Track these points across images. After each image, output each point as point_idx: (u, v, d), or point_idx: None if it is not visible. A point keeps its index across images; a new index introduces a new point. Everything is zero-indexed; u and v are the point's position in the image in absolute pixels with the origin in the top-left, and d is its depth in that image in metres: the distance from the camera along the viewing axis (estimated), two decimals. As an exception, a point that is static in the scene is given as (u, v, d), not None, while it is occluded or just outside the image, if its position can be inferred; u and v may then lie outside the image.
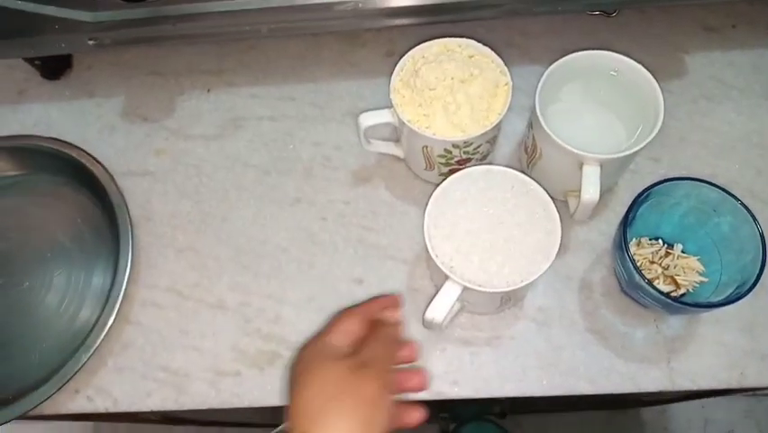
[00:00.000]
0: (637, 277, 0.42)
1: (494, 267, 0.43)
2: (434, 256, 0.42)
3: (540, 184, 0.44)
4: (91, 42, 0.53)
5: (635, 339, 0.48)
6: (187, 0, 0.50)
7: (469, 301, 0.47)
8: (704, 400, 1.18)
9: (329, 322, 0.43)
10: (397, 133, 0.52)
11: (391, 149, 0.53)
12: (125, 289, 0.50)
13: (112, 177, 0.54)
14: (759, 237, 0.42)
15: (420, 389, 0.42)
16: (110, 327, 0.49)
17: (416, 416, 0.41)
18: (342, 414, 0.36)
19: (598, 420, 1.19)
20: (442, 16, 0.51)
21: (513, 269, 0.42)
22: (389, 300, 0.45)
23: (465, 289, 0.42)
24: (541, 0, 0.50)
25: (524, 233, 0.43)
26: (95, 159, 0.54)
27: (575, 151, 0.44)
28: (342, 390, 0.37)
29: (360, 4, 0.50)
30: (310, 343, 0.42)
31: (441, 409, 0.91)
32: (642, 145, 0.44)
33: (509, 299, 0.46)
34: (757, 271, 0.41)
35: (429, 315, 0.42)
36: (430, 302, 0.42)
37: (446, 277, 0.42)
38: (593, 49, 0.47)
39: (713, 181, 0.52)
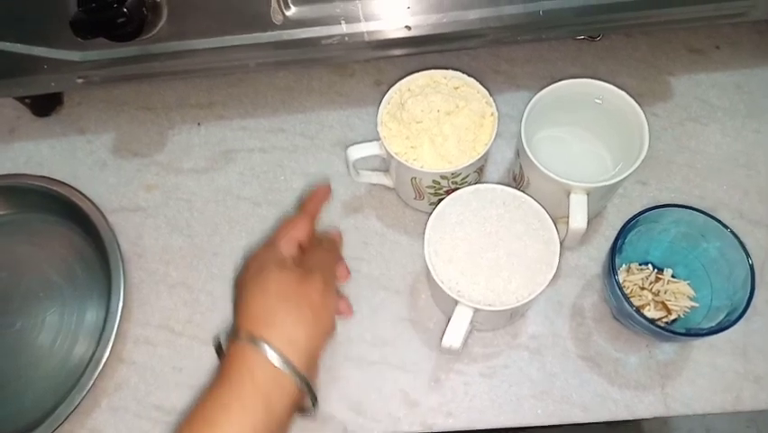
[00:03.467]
0: (627, 306, 0.42)
1: (501, 284, 0.43)
2: (439, 283, 0.42)
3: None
4: (80, 81, 0.53)
5: (628, 365, 0.48)
6: (174, 38, 0.51)
7: (479, 321, 0.47)
8: (705, 411, 1.18)
9: (275, 231, 0.45)
10: (386, 163, 0.52)
11: (381, 179, 0.54)
12: (118, 327, 0.50)
13: (102, 214, 0.54)
14: (747, 263, 0.42)
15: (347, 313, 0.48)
16: (103, 367, 0.48)
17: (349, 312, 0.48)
18: (288, 315, 0.39)
19: (597, 430, 1.19)
20: (427, 47, 0.52)
21: (519, 283, 0.43)
22: (324, 191, 0.50)
23: (476, 310, 0.42)
24: (524, 29, 0.51)
25: (523, 246, 0.44)
26: (85, 196, 0.55)
27: (561, 180, 0.44)
28: (289, 294, 0.40)
29: (346, 38, 0.51)
30: (258, 252, 0.43)
31: None
32: (628, 173, 0.44)
33: (518, 312, 0.47)
34: (747, 298, 0.41)
35: (446, 342, 0.42)
36: (444, 330, 0.42)
37: (456, 302, 0.42)
38: (579, 73, 0.48)
39: (702, 202, 0.53)
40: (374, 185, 0.55)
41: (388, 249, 0.54)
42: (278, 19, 0.49)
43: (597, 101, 0.48)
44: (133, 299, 0.53)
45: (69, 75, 0.53)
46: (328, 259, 0.45)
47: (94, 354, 0.49)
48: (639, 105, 0.46)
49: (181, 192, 0.57)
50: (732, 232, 0.43)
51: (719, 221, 0.43)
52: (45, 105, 0.61)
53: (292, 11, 0.48)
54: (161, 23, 0.48)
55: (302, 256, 0.44)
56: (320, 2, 0.48)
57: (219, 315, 0.52)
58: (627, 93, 0.47)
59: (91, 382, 0.48)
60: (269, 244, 0.44)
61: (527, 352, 0.49)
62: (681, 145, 0.55)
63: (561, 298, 0.50)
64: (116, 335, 0.49)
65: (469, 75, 0.49)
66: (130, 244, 0.55)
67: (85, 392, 0.48)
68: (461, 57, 0.59)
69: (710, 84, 0.58)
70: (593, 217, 0.53)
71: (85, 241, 0.55)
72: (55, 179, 0.56)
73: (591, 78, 0.48)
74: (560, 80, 0.47)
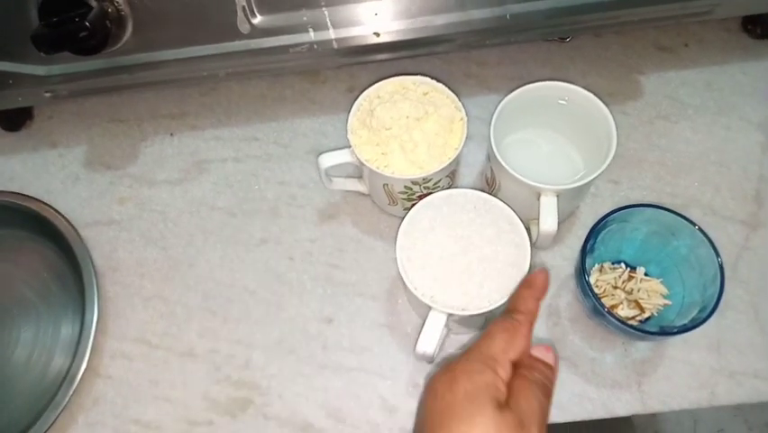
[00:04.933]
0: (599, 306, 0.42)
1: (474, 288, 0.43)
2: (413, 289, 0.43)
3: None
4: (48, 95, 0.53)
5: (604, 364, 0.48)
6: (141, 50, 0.50)
7: (454, 325, 0.47)
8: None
9: (488, 341, 0.36)
10: (359, 170, 0.52)
11: (355, 186, 0.54)
12: (93, 342, 0.49)
13: (75, 228, 0.53)
14: (716, 259, 0.42)
15: None
16: (79, 383, 0.48)
17: None
18: None
19: (587, 425, 1.20)
20: (397, 53, 0.52)
21: (492, 287, 0.43)
22: (542, 281, 0.40)
23: (450, 315, 0.42)
24: (493, 33, 0.51)
25: (495, 249, 0.44)
26: (57, 211, 0.54)
27: (531, 183, 0.44)
28: None
29: (315, 46, 0.50)
30: (468, 364, 0.35)
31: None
32: (596, 174, 0.44)
33: (492, 314, 0.47)
34: (717, 295, 0.41)
35: (420, 349, 0.42)
36: (418, 336, 0.42)
37: (429, 308, 0.42)
38: (549, 74, 0.48)
39: (674, 200, 0.53)
40: (349, 191, 0.55)
41: (363, 255, 0.54)
42: (245, 28, 0.49)
43: (561, 102, 0.48)
44: (109, 312, 0.52)
45: (36, 89, 0.52)
46: (543, 409, 0.34)
47: (69, 370, 0.48)
48: (609, 104, 0.46)
49: (155, 204, 0.57)
50: (700, 229, 0.43)
51: (688, 219, 0.44)
52: (15, 120, 0.61)
53: (258, 20, 0.48)
54: (127, 36, 0.48)
55: (512, 388, 0.35)
56: (286, 10, 0.48)
57: (195, 326, 0.51)
58: (596, 93, 0.47)
59: (67, 397, 0.47)
60: (486, 359, 0.35)
61: (504, 354, 0.49)
62: (652, 143, 0.56)
63: (536, 299, 0.51)
64: (92, 349, 0.49)
65: (438, 80, 0.49)
66: (104, 258, 0.54)
67: (61, 408, 0.47)
68: (432, 61, 0.59)
69: (680, 82, 0.58)
70: (566, 218, 0.53)
71: (58, 256, 0.54)
72: (26, 195, 0.56)
73: (562, 79, 0.48)
74: (527, 83, 0.47)
